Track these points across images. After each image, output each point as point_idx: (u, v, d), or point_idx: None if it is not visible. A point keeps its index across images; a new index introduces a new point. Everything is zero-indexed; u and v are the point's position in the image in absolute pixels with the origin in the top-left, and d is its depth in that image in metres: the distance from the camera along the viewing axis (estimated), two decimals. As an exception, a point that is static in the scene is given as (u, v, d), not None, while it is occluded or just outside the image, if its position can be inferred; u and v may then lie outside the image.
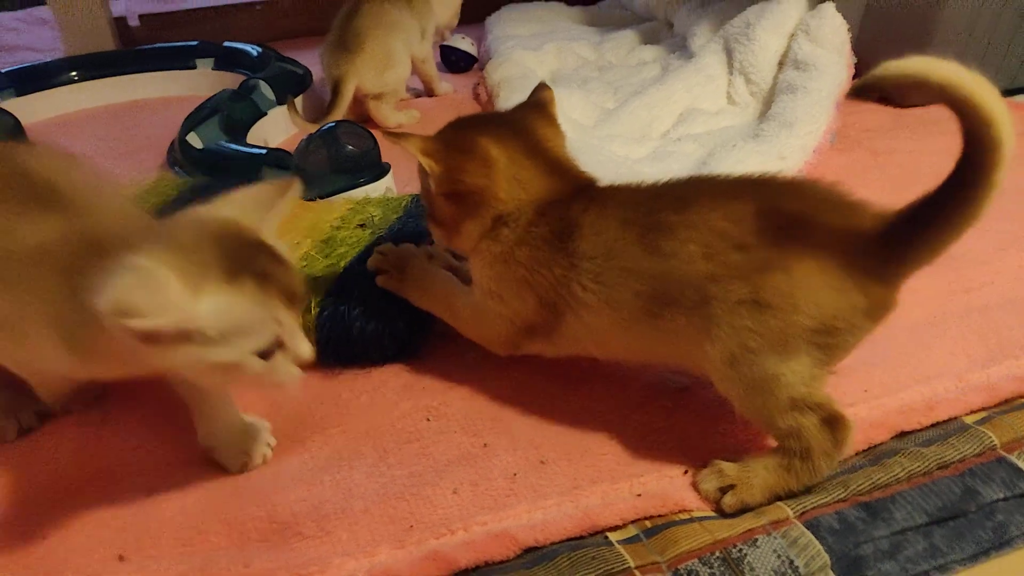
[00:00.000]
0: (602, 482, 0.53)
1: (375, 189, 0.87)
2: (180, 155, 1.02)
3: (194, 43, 1.53)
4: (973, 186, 0.46)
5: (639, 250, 0.53)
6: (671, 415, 0.59)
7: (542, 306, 0.57)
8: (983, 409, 0.58)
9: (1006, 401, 0.59)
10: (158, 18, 1.79)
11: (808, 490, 0.52)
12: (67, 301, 0.45)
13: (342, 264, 0.67)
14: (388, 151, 0.91)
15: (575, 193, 0.58)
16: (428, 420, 0.60)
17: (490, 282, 0.59)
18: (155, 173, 0.90)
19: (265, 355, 0.45)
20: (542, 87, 0.63)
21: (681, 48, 1.37)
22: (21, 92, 1.39)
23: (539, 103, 0.62)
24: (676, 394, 0.61)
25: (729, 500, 0.52)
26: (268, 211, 0.50)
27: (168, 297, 0.41)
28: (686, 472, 0.54)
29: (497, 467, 0.55)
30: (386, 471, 0.55)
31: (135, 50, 1.56)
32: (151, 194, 0.83)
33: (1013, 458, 0.53)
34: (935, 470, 0.53)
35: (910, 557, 0.48)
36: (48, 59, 1.86)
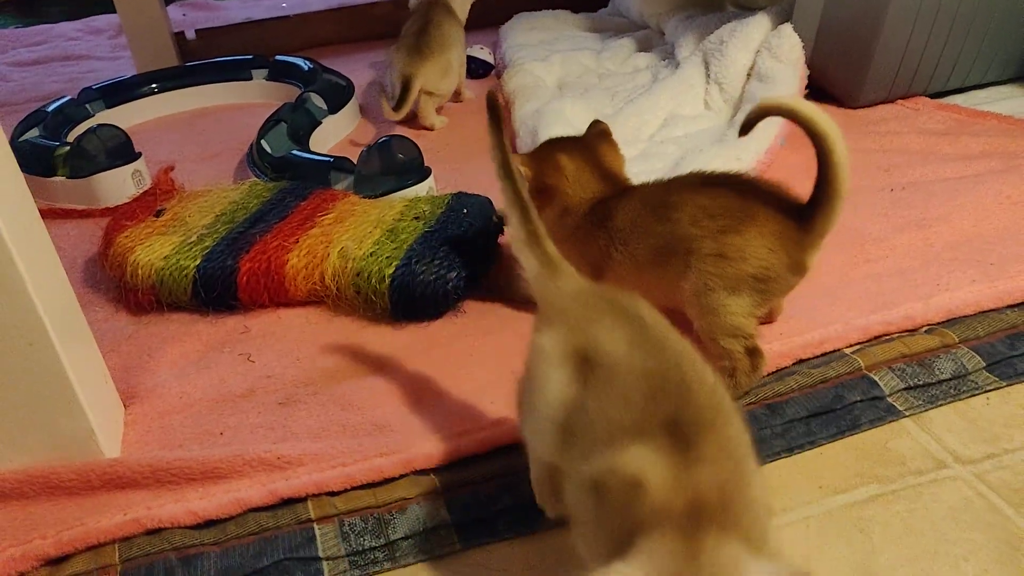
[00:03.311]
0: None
1: (420, 189, 1.11)
2: (259, 159, 1.27)
3: (249, 56, 1.78)
4: (827, 180, 0.73)
5: (652, 219, 0.80)
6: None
7: (591, 268, 0.83)
8: (858, 343, 0.83)
9: (875, 338, 0.83)
10: (209, 32, 2.04)
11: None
12: None
13: (404, 248, 0.92)
14: (429, 158, 1.16)
15: (616, 192, 0.85)
16: (471, 355, 0.86)
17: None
18: (249, 180, 1.14)
19: None
20: (597, 123, 0.90)
21: (670, 56, 1.61)
22: (110, 104, 1.64)
23: (603, 132, 0.89)
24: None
25: None
26: None
27: None
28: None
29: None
30: (444, 390, 0.81)
31: (201, 63, 1.80)
32: (249, 196, 1.08)
33: (871, 375, 0.78)
34: (818, 384, 0.78)
35: (793, 437, 0.73)
36: (109, 66, 2.13)
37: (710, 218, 0.76)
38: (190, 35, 2.02)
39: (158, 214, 1.07)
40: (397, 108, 1.41)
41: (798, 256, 0.76)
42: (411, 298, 0.88)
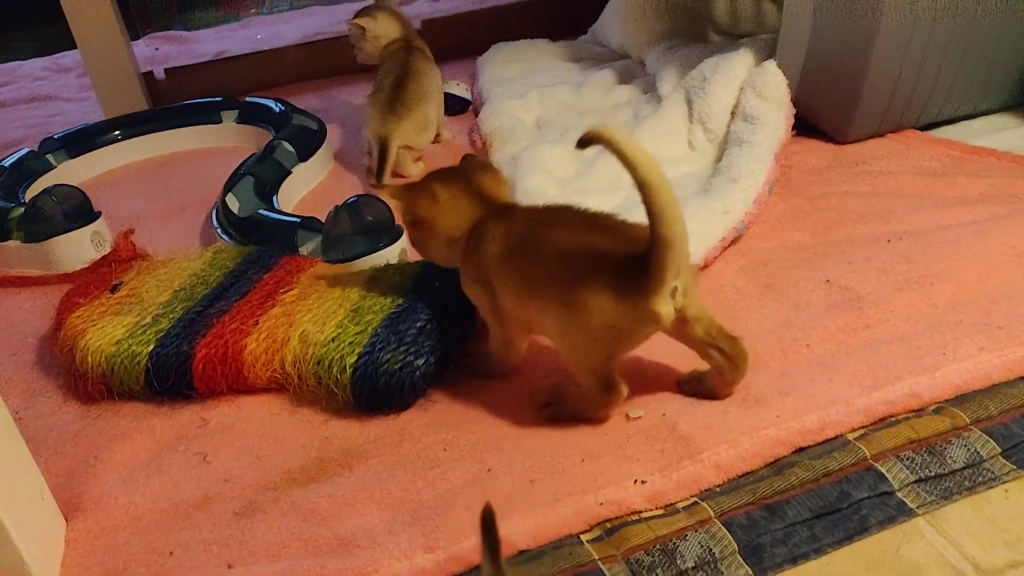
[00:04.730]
0: (575, 495, 0.72)
1: (391, 251, 1.05)
2: (224, 219, 1.21)
3: (219, 99, 1.71)
4: (653, 229, 0.68)
5: (517, 253, 0.77)
6: (629, 439, 0.78)
7: (490, 300, 0.80)
8: (862, 427, 0.77)
9: (880, 420, 0.77)
10: (179, 70, 1.97)
11: (727, 495, 0.71)
12: None
13: (369, 331, 0.85)
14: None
15: (492, 213, 0.82)
16: (445, 450, 0.79)
17: (464, 288, 0.84)
18: (213, 246, 1.07)
19: None
20: (472, 157, 0.89)
21: (651, 88, 1.55)
22: (73, 154, 1.57)
23: (482, 163, 0.88)
24: (634, 421, 0.80)
25: (547, 412, 0.81)
26: None
27: None
28: (635, 481, 0.73)
29: (498, 488, 0.74)
30: (415, 495, 0.74)
31: (167, 107, 1.74)
32: (211, 267, 1.01)
33: (878, 466, 0.72)
34: (821, 478, 0.72)
35: (796, 543, 0.67)
36: (76, 108, 2.06)
37: (562, 262, 0.74)
38: (159, 74, 1.95)
39: (114, 289, 1.00)
40: (379, 179, 1.33)
41: (645, 307, 0.71)
42: (375, 390, 0.82)
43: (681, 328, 0.77)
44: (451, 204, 0.83)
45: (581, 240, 0.75)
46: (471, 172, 0.85)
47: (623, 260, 0.72)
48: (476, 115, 1.59)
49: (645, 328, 0.74)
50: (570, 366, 0.79)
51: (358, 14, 1.48)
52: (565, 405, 0.81)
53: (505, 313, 0.81)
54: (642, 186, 0.66)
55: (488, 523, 0.49)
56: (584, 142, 0.68)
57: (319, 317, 0.89)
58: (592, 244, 0.74)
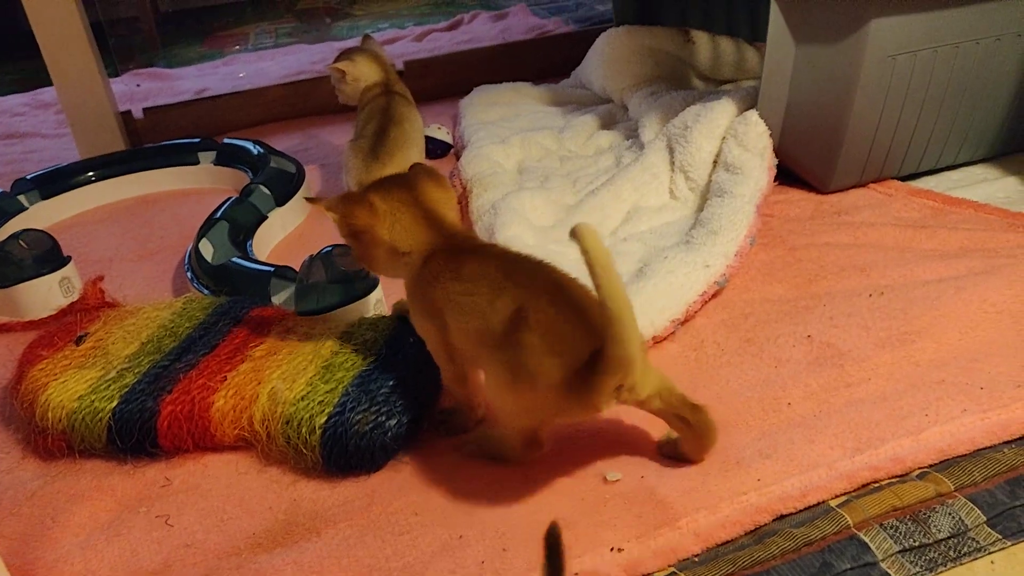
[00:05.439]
0: (550, 565, 0.70)
1: (368, 302, 1.03)
2: (197, 267, 1.18)
3: (196, 140, 1.70)
4: (605, 330, 0.66)
5: (484, 301, 0.74)
6: (606, 503, 0.76)
7: (440, 335, 0.79)
8: (844, 493, 0.75)
9: (863, 486, 0.75)
10: (159, 109, 1.96)
11: (705, 565, 0.69)
12: None
13: (339, 389, 0.83)
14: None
15: (448, 246, 0.80)
16: (415, 515, 0.77)
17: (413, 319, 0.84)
18: (183, 296, 1.05)
19: None
20: (420, 165, 0.87)
21: (633, 134, 1.55)
22: (46, 195, 1.55)
23: (427, 170, 0.85)
24: (611, 485, 0.78)
25: (466, 450, 0.83)
26: None
27: None
28: (612, 549, 0.71)
29: (470, 556, 0.71)
30: (384, 563, 0.72)
31: (144, 148, 1.72)
32: (180, 318, 0.99)
33: (861, 535, 0.70)
34: (802, 547, 0.69)
35: (777, 618, 0.65)
36: (53, 145, 2.04)
37: (503, 324, 0.72)
38: (137, 114, 1.93)
39: (78, 341, 0.98)
40: None
41: (587, 400, 0.70)
42: (345, 451, 0.79)
43: (637, 404, 0.75)
44: (391, 214, 0.80)
45: (543, 310, 0.71)
46: (414, 180, 0.83)
47: (575, 349, 0.70)
48: (457, 159, 1.58)
49: (579, 414, 0.76)
50: (499, 418, 0.79)
51: (338, 57, 1.47)
52: (485, 446, 0.81)
53: (455, 350, 0.80)
54: (603, 302, 0.65)
55: (552, 543, 0.55)
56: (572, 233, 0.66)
57: (289, 373, 0.86)
58: (551, 319, 0.71)
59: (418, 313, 0.82)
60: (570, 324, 0.71)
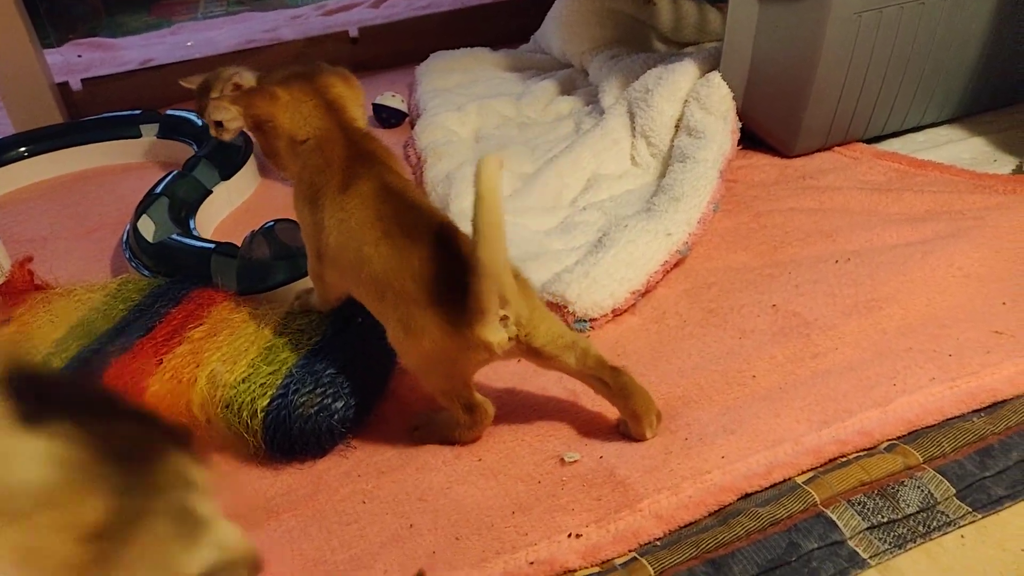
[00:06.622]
0: (504, 553, 0.66)
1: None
2: (135, 245, 1.12)
3: (137, 112, 1.61)
4: (475, 237, 0.64)
5: (370, 242, 0.71)
6: (564, 486, 0.72)
7: (316, 230, 0.76)
8: (811, 469, 0.72)
9: (830, 460, 0.72)
10: (98, 80, 1.86)
11: (667, 549, 0.66)
12: None
13: (283, 371, 0.78)
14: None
15: (346, 141, 0.77)
16: (364, 503, 0.72)
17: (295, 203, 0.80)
18: (119, 277, 0.99)
19: None
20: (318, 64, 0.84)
21: (594, 100, 1.50)
22: (-26, 172, 1.46)
23: (338, 69, 0.84)
24: (569, 466, 0.74)
25: (416, 435, 0.79)
26: None
27: None
28: (570, 535, 0.67)
29: (421, 546, 0.67)
30: (330, 555, 0.67)
31: (81, 121, 1.64)
32: (115, 300, 0.93)
33: (829, 512, 0.67)
34: (768, 527, 0.66)
35: (742, 603, 0.62)
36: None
37: (412, 281, 0.69)
38: (75, 85, 1.84)
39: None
40: None
41: (471, 336, 0.67)
42: (288, 435, 0.75)
43: (546, 359, 0.72)
44: (292, 103, 0.78)
45: (426, 258, 0.69)
46: (318, 73, 0.82)
47: (453, 285, 0.68)
48: (412, 127, 1.52)
49: (477, 356, 0.70)
50: (422, 383, 0.76)
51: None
52: (433, 428, 0.78)
53: (324, 255, 0.77)
54: (473, 224, 0.63)
55: None
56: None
57: (229, 355, 0.81)
58: (433, 265, 0.69)
59: (301, 198, 0.78)
60: (447, 270, 0.69)
